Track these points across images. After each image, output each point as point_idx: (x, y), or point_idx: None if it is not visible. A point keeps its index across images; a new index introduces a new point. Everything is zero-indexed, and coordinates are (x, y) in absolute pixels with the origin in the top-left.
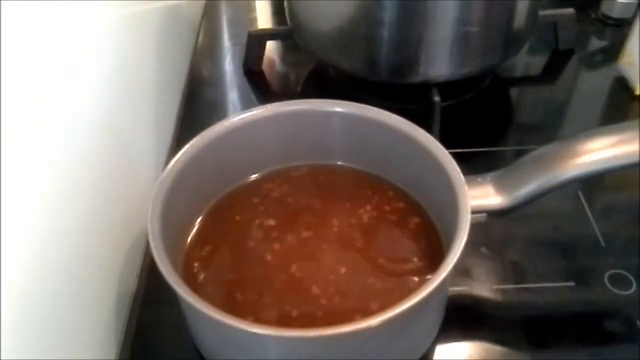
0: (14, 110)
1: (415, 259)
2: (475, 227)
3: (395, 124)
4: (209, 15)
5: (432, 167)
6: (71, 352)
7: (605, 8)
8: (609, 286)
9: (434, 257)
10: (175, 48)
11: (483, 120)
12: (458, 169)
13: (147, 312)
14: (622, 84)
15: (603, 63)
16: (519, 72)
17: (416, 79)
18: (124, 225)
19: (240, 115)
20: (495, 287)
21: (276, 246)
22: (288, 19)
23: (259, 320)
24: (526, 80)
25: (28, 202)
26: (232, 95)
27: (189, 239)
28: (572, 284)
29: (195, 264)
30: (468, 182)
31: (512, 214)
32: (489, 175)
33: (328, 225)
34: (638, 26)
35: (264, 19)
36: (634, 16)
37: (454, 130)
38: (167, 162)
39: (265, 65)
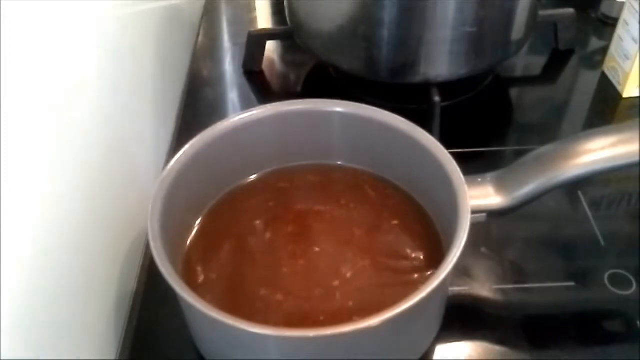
0: (14, 110)
1: (415, 259)
2: (475, 227)
3: (395, 124)
4: (209, 15)
5: (432, 167)
6: (71, 352)
7: (605, 8)
8: (609, 286)
9: (434, 257)
10: (175, 48)
11: (483, 120)
12: (458, 169)
13: (147, 312)
14: None
15: (603, 63)
16: (519, 72)
17: (416, 79)
18: (124, 225)
19: (240, 115)
20: (495, 287)
21: (276, 246)
22: (288, 19)
23: (259, 320)
24: (526, 80)
25: (28, 202)
26: (232, 95)
27: (188, 239)
28: (572, 284)
29: (195, 264)
30: (468, 182)
31: (512, 214)
32: (489, 175)
33: (328, 225)
34: (619, 32)
35: (264, 19)
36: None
37: (454, 130)
38: (167, 162)
39: (265, 65)
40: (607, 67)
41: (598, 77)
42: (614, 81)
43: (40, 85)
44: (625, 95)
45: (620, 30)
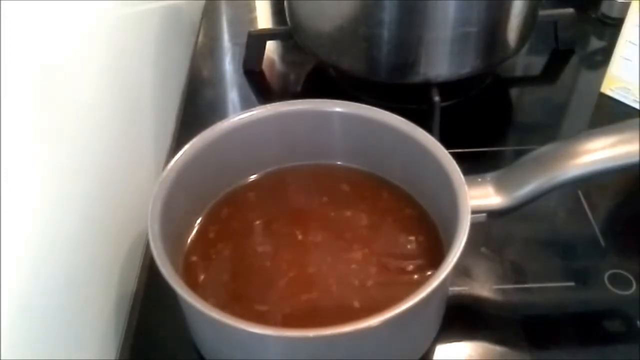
0: (14, 110)
1: (415, 259)
2: (475, 227)
3: (395, 124)
4: (209, 15)
5: (432, 167)
6: (71, 352)
7: (605, 8)
8: (609, 286)
9: (434, 257)
10: (175, 48)
11: (483, 120)
12: (458, 169)
13: (147, 312)
14: None
15: (603, 63)
16: (519, 72)
17: (416, 79)
18: (124, 226)
19: (240, 115)
20: (495, 287)
21: (276, 246)
22: (288, 19)
23: (259, 320)
24: (526, 80)
25: (28, 202)
26: (232, 95)
27: (188, 239)
28: (572, 284)
29: (195, 264)
30: (468, 182)
31: (512, 214)
32: (489, 175)
33: (328, 225)
34: (623, 54)
35: (264, 19)
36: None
37: (454, 130)
38: (167, 162)
39: (265, 65)
40: (612, 89)
41: (598, 77)
42: (626, 101)
43: (39, 85)
44: None
45: (623, 50)
